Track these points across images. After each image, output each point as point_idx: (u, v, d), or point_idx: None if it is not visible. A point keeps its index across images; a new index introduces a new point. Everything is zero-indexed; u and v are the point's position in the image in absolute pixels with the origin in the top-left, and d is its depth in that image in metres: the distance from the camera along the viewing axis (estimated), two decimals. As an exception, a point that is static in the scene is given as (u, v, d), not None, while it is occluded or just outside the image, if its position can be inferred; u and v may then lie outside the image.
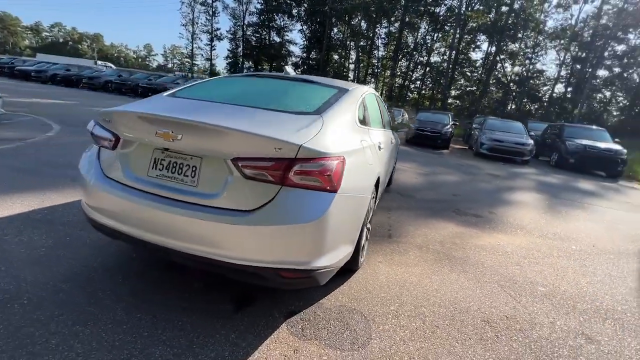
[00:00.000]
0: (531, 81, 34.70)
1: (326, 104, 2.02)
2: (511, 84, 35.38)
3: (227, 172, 1.51)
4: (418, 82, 39.51)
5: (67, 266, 2.02)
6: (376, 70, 41.23)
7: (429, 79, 38.60)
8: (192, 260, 1.58)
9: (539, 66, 34.87)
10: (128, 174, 1.68)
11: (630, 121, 29.98)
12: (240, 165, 1.46)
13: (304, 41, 41.67)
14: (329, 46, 39.05)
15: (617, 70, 32.67)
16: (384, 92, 40.20)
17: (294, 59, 43.28)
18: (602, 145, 9.78)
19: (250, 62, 44.61)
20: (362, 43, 39.63)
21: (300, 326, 1.75)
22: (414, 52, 38.74)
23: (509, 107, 36.06)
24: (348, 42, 41.28)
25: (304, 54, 41.82)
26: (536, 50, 34.38)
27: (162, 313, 1.72)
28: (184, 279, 2.05)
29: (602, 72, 33.04)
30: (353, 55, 41.16)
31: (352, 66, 41.69)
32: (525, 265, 2.88)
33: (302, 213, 1.46)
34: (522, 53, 35.08)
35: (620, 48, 31.38)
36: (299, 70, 41.92)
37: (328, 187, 1.50)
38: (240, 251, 1.47)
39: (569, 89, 34.44)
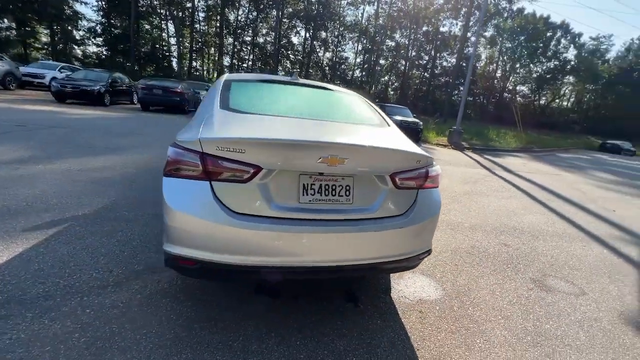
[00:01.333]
0: (342, 66, 41.86)
1: (379, 114, 2.39)
2: (326, 68, 41.54)
3: (380, 186, 1.72)
4: (249, 62, 39.77)
5: (150, 346, 1.58)
6: (202, 47, 38.35)
7: (259, 60, 39.61)
8: (352, 270, 1.72)
9: (344, 54, 42.42)
10: (273, 205, 1.55)
11: (401, 99, 41.91)
12: (397, 178, 1.72)
13: (98, 2, 33.01)
14: (138, 13, 32.74)
15: (390, 60, 44.30)
16: (214, 72, 38.17)
17: (85, 22, 33.67)
18: (410, 119, 13.75)
19: (7, 21, 31.31)
20: (180, 14, 35.51)
21: (403, 294, 2.21)
22: (239, 31, 38.40)
23: (326, 88, 42.42)
24: (162, 11, 35.96)
25: (104, 20, 33.29)
26: (340, 40, 41.52)
27: (312, 332, 1.76)
28: (283, 300, 2.02)
29: (382, 61, 43.88)
30: (172, 28, 36.39)
31: (172, 40, 36.95)
32: (445, 212, 4.26)
33: (434, 207, 1.90)
34: (330, 41, 41.51)
35: (392, 44, 42.48)
36: (102, 37, 33.28)
37: (437, 185, 1.99)
38: (399, 249, 1.77)
39: (364, 74, 43.88)
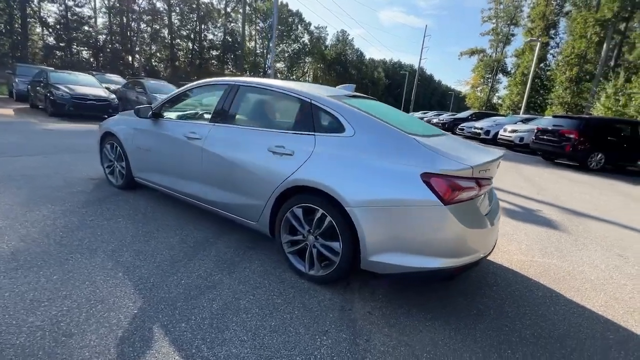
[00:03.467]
0: (85, 27, 31.92)
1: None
2: (58, 27, 30.40)
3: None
4: None
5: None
6: None
7: None
8: None
9: (84, 11, 32.17)
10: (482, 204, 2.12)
11: (173, 73, 38.18)
12: None
13: None
14: None
15: (152, 26, 38.36)
16: None
17: None
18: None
19: None
20: None
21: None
22: None
23: (63, 54, 31.60)
24: None
25: None
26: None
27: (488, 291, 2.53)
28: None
29: (144, 26, 37.32)
30: None
31: None
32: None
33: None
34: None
35: (148, 6, 36.54)
36: None
37: None
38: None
39: (117, 38, 35.90)
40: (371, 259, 1.96)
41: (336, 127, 2.18)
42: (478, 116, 19.01)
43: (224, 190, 2.62)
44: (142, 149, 3.25)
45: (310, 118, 2.29)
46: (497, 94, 45.82)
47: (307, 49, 55.06)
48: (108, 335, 1.60)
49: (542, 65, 35.47)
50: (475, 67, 45.07)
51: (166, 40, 38.87)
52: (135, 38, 36.52)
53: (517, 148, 13.00)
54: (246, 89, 2.73)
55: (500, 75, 43.79)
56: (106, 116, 9.92)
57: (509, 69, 42.07)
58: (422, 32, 39.55)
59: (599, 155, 9.13)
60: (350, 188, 1.97)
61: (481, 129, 15.27)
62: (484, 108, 41.24)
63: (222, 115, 2.73)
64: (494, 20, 42.44)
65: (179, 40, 40.92)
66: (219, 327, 1.74)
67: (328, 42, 59.61)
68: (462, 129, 17.39)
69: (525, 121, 14.22)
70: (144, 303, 1.86)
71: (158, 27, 38.04)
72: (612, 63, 26.00)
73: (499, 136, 13.81)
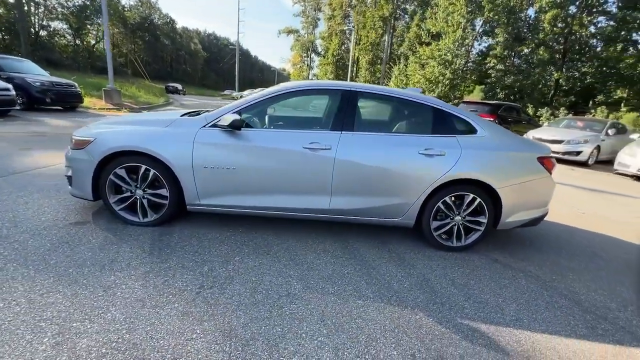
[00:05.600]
0: None
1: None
2: None
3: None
4: None
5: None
6: None
7: None
8: None
9: None
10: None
11: None
12: None
13: None
14: None
15: None
16: None
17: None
18: (62, 80, 9.73)
19: None
20: None
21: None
22: None
23: None
24: None
25: None
26: None
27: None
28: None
29: None
30: None
31: None
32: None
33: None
34: None
35: None
36: None
37: None
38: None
39: None
40: (506, 221, 2.81)
41: (469, 129, 2.76)
42: (321, 94, 21.74)
43: (362, 196, 2.67)
44: (217, 168, 2.56)
45: (445, 122, 2.75)
46: (312, 72, 52.46)
47: (96, 6, 42.92)
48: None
49: (343, 47, 43.23)
50: (292, 45, 49.35)
51: None
52: None
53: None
54: (366, 95, 2.77)
55: (314, 55, 50.09)
56: None
57: (319, 50, 48.70)
58: (230, 2, 39.12)
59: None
60: (496, 175, 2.68)
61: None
62: (306, 84, 46.40)
63: (346, 122, 2.65)
64: (302, 4, 47.20)
65: None
66: (503, 309, 2.16)
67: (125, 2, 48.57)
68: (315, 106, 19.60)
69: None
70: (446, 325, 1.98)
71: None
72: (389, 51, 35.19)
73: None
